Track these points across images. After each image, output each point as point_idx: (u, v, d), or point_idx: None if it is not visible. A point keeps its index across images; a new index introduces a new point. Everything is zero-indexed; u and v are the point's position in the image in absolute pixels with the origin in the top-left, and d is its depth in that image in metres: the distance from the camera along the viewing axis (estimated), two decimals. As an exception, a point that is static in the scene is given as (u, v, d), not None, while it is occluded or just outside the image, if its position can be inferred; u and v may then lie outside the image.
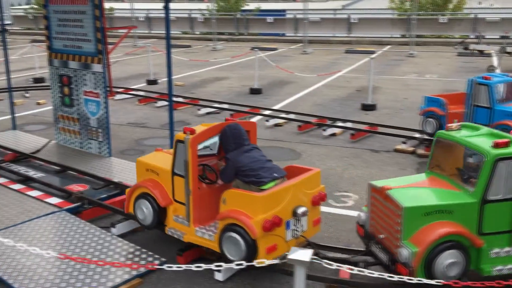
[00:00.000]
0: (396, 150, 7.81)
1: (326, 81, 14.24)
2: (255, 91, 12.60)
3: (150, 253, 4.47)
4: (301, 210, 4.03)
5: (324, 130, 8.79)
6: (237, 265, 3.24)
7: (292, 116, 9.75)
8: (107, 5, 25.70)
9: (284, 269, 3.98)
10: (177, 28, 29.18)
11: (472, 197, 3.65)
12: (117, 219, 5.08)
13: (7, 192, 5.80)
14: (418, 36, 22.28)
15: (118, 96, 11.98)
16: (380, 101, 11.33)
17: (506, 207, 3.62)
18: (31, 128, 9.18)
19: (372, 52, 20.32)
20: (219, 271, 4.11)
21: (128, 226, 5.00)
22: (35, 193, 5.78)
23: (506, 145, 3.60)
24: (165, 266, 3.40)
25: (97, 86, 7.05)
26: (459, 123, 4.17)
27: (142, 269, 4.18)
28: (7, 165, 6.76)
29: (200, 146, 4.34)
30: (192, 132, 4.16)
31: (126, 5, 31.39)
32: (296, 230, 4.11)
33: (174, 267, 3.28)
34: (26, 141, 7.91)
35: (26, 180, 6.18)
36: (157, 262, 4.30)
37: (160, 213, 4.47)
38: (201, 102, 11.10)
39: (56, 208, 5.35)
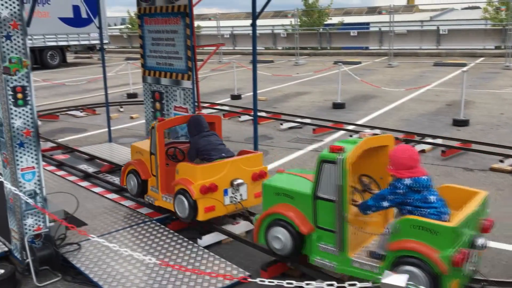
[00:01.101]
0: (492, 169, 7.28)
1: (413, 95, 13.73)
2: (338, 106, 12.45)
3: (235, 266, 4.52)
4: (237, 181, 4.97)
5: (412, 146, 8.41)
6: (328, 285, 3.16)
7: (377, 131, 9.48)
8: (195, 23, 26.86)
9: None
10: (261, 44, 29.81)
11: (311, 190, 3.99)
12: (204, 230, 5.21)
13: (103, 201, 6.19)
14: (515, 47, 20.80)
15: (204, 111, 12.39)
16: (473, 116, 10.69)
17: (331, 207, 3.85)
18: (124, 140, 9.72)
19: (464, 65, 19.30)
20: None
21: (214, 238, 5.10)
22: (128, 202, 6.10)
23: (338, 150, 3.75)
24: (257, 280, 3.41)
25: (186, 102, 7.34)
26: (374, 132, 4.17)
27: (227, 282, 4.23)
28: (104, 175, 7.21)
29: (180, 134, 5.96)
30: (161, 121, 5.36)
31: (212, 23, 32.61)
32: (235, 198, 5.04)
33: (266, 282, 3.31)
34: (121, 153, 8.40)
35: (120, 191, 6.54)
36: (241, 275, 4.33)
37: (143, 185, 5.62)
38: (283, 117, 11.16)
39: (147, 218, 5.60)
